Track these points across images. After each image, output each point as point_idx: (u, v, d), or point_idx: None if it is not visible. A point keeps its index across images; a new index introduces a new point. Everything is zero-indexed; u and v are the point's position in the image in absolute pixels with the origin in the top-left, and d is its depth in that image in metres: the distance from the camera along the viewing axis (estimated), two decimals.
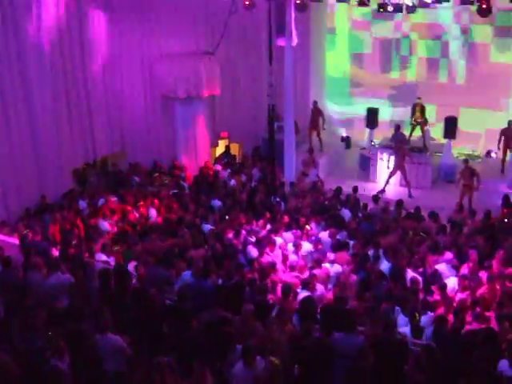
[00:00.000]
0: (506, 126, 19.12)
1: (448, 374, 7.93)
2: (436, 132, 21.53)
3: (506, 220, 14.93)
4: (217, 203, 15.71)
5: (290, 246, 12.67)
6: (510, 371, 7.90)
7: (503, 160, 19.49)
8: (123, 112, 17.90)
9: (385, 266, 11.81)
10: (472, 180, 17.19)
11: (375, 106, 22.04)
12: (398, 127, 20.27)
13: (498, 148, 19.71)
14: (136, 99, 18.27)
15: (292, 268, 11.42)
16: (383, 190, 18.75)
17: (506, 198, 15.91)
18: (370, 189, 18.75)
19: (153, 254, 11.73)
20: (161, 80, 18.43)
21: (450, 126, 20.24)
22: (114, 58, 17.31)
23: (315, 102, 21.52)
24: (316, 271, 11.19)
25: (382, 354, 8.24)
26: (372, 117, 21.81)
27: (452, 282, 11.03)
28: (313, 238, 13.21)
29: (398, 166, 18.81)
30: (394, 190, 19.18)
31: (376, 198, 16.10)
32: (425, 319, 9.65)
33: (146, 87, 18.50)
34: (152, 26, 18.07)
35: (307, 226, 13.87)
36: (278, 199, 16.19)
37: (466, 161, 17.74)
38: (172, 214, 14.34)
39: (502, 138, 19.17)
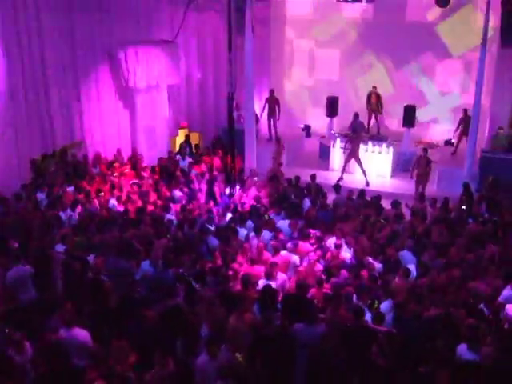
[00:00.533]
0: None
1: (409, 359, 8.06)
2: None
3: (463, 207, 15.18)
4: (177, 194, 15.63)
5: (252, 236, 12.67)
6: (469, 355, 8.08)
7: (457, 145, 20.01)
8: (82, 102, 17.59)
9: (346, 253, 11.94)
10: (427, 169, 17.45)
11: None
12: (356, 115, 20.39)
13: (453, 136, 20.18)
14: (95, 89, 17.98)
15: (252, 261, 11.38)
16: (341, 178, 18.84)
17: (465, 185, 16.12)
18: (329, 178, 18.87)
19: (113, 244, 11.63)
20: (121, 69, 18.16)
21: (409, 115, 20.46)
22: (72, 48, 16.94)
23: (272, 91, 21.42)
24: (277, 259, 11.23)
25: (349, 341, 8.37)
26: (332, 105, 21.84)
27: (412, 269, 11.17)
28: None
29: (353, 154, 18.96)
30: (356, 178, 19.29)
31: (337, 187, 16.17)
32: (385, 306, 9.77)
33: (105, 77, 18.21)
34: (112, 15, 17.71)
35: (266, 216, 13.90)
36: (238, 188, 16.19)
37: (425, 150, 17.94)
38: (132, 205, 14.20)
39: (460, 127, 19.60)
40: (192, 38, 20.47)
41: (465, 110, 19.57)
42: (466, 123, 19.26)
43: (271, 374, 7.99)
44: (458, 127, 19.80)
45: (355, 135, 19.09)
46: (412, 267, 11.27)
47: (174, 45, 19.11)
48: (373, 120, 21.83)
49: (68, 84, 16.97)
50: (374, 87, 21.15)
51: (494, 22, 18.06)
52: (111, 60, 18.07)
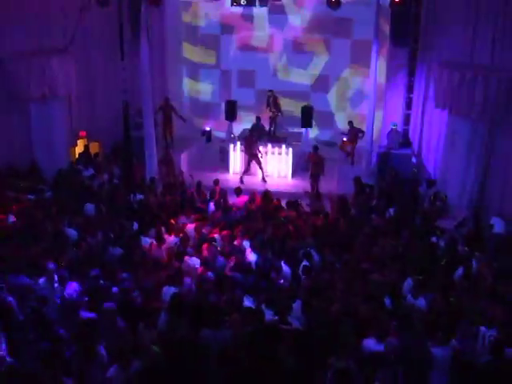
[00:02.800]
0: None
1: (317, 354, 8.25)
2: None
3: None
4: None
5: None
6: (376, 347, 8.36)
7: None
8: None
9: (253, 257, 12.07)
10: (319, 167, 17.88)
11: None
12: (258, 118, 20.68)
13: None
14: None
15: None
16: (241, 181, 19.14)
17: (356, 180, 16.62)
18: (230, 180, 19.05)
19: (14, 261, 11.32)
20: (13, 80, 17.55)
21: (307, 116, 20.87)
22: None
23: (166, 99, 21.34)
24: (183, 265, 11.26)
25: (256, 342, 8.47)
26: (231, 109, 22.02)
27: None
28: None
29: (250, 155, 19.30)
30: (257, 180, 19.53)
31: (238, 191, 16.34)
32: (296, 306, 9.92)
33: None
34: (0, 25, 17.21)
35: (172, 221, 13.88)
36: (139, 196, 16.05)
37: (315, 147, 18.37)
38: (31, 220, 13.80)
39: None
40: (87, 47, 20.11)
41: (350, 122, 20.17)
42: (352, 134, 19.93)
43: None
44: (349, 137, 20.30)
45: (247, 136, 19.52)
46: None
47: (67, 53, 18.66)
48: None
49: None
50: (270, 90, 21.40)
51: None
52: (2, 70, 17.48)
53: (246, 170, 19.45)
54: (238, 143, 20.49)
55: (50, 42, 18.61)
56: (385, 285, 10.54)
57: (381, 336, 8.41)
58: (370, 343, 8.46)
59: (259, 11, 22.43)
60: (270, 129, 21.67)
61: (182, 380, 7.81)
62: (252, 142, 19.32)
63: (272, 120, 21.58)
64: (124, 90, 14.85)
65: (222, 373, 7.95)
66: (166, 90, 22.48)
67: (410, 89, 19.95)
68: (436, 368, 8.15)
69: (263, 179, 19.19)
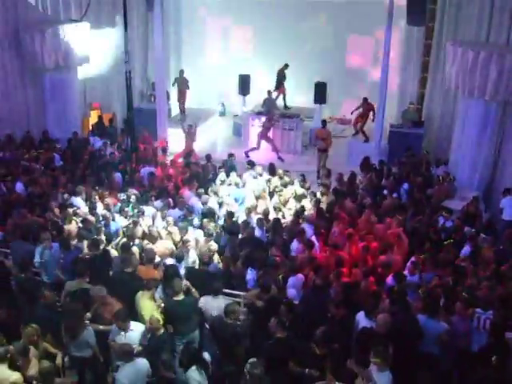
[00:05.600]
0: None
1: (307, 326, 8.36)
2: None
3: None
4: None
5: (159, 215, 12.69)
6: (365, 321, 8.43)
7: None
8: None
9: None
10: (326, 142, 17.85)
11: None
12: (269, 92, 20.63)
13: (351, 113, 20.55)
14: (3, 71, 17.49)
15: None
16: (247, 155, 19.06)
17: (364, 160, 16.58)
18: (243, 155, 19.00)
19: (19, 228, 11.50)
20: (28, 50, 17.66)
21: (320, 92, 20.75)
22: None
23: (181, 71, 21.27)
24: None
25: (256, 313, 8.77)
26: (244, 84, 21.90)
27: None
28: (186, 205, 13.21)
29: (267, 139, 19.29)
30: (266, 155, 19.43)
31: (250, 163, 16.19)
32: (292, 281, 10.00)
33: (12, 58, 17.72)
34: None
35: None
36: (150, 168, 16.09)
37: (323, 122, 18.30)
38: (40, 188, 13.94)
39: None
40: (102, 17, 20.11)
41: (365, 99, 19.95)
42: (364, 110, 19.81)
43: None
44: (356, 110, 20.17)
45: (270, 115, 19.37)
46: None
47: (82, 23, 18.67)
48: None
49: None
50: (286, 65, 21.30)
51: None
52: (18, 41, 17.59)
53: (255, 149, 19.33)
54: (250, 118, 20.42)
55: (65, 13, 18.65)
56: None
57: (371, 312, 8.51)
58: (361, 317, 8.61)
59: None
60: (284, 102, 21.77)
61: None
62: (270, 126, 19.24)
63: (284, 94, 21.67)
64: (127, 60, 14.71)
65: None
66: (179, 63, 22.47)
67: (425, 68, 19.74)
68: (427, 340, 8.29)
69: (279, 158, 19.05)
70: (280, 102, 21.87)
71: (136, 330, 8.27)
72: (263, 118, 19.63)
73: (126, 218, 12.48)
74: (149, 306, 8.85)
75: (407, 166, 16.43)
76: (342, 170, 16.25)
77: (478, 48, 15.35)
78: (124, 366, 7.52)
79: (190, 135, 18.46)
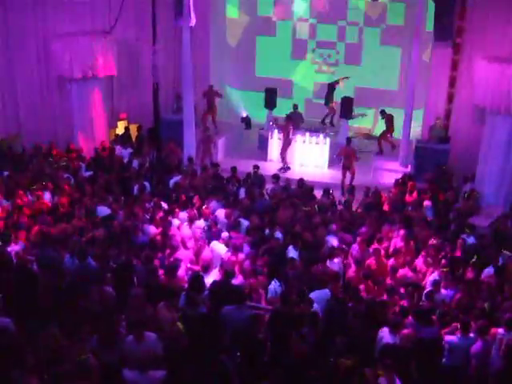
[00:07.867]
0: None
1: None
2: None
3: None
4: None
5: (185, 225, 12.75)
6: (389, 337, 8.40)
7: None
8: (17, 94, 17.37)
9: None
10: (350, 160, 17.81)
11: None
12: (295, 106, 20.70)
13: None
14: (30, 80, 17.76)
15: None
16: (287, 167, 19.32)
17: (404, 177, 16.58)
18: (267, 168, 19.02)
19: (46, 236, 11.61)
20: (56, 60, 17.92)
21: (347, 106, 20.77)
22: (5, 39, 16.73)
23: (211, 86, 21.42)
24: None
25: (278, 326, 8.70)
26: (270, 97, 21.93)
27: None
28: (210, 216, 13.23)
29: (285, 142, 19.38)
30: (294, 168, 19.54)
31: (276, 177, 16.26)
32: (316, 294, 9.92)
33: (40, 68, 17.98)
34: (46, 5, 17.54)
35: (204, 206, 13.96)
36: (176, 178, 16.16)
37: (348, 140, 18.32)
38: (65, 197, 14.07)
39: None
40: (130, 29, 20.34)
41: (382, 111, 20.13)
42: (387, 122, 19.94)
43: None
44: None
45: (283, 123, 19.60)
46: None
47: (111, 35, 18.94)
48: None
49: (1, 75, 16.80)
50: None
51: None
52: (47, 51, 17.86)
53: (284, 159, 19.50)
54: (276, 131, 20.49)
55: (93, 24, 18.92)
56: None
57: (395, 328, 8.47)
58: (385, 332, 8.56)
59: None
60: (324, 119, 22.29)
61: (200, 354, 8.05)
62: (288, 130, 19.36)
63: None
64: (154, 74, 14.87)
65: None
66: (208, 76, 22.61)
67: (452, 83, 19.64)
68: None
69: (284, 169, 19.35)
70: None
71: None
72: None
73: (156, 227, 12.55)
74: (169, 316, 8.88)
75: (433, 181, 16.39)
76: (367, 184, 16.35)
77: (506, 63, 15.31)
78: None
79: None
